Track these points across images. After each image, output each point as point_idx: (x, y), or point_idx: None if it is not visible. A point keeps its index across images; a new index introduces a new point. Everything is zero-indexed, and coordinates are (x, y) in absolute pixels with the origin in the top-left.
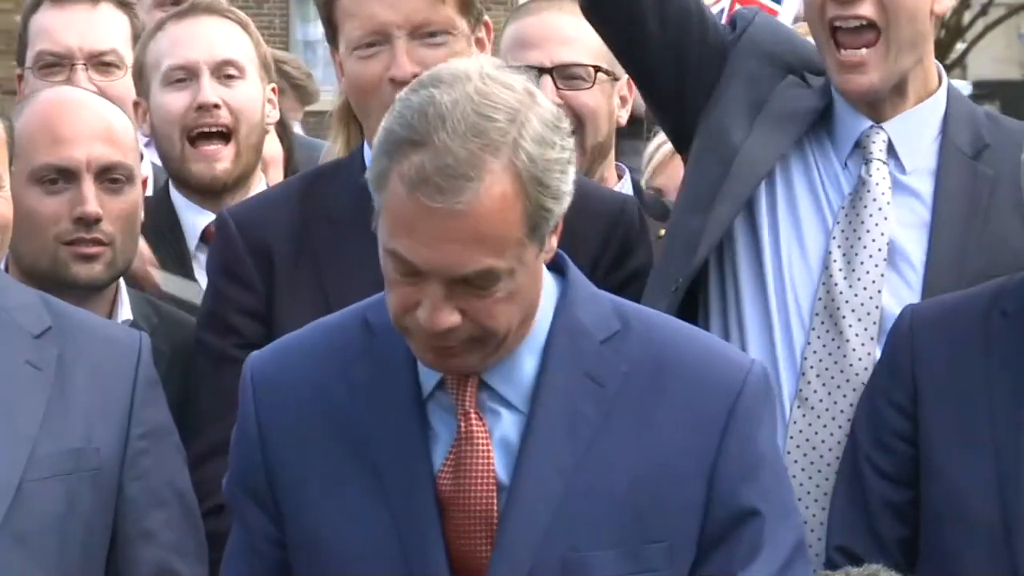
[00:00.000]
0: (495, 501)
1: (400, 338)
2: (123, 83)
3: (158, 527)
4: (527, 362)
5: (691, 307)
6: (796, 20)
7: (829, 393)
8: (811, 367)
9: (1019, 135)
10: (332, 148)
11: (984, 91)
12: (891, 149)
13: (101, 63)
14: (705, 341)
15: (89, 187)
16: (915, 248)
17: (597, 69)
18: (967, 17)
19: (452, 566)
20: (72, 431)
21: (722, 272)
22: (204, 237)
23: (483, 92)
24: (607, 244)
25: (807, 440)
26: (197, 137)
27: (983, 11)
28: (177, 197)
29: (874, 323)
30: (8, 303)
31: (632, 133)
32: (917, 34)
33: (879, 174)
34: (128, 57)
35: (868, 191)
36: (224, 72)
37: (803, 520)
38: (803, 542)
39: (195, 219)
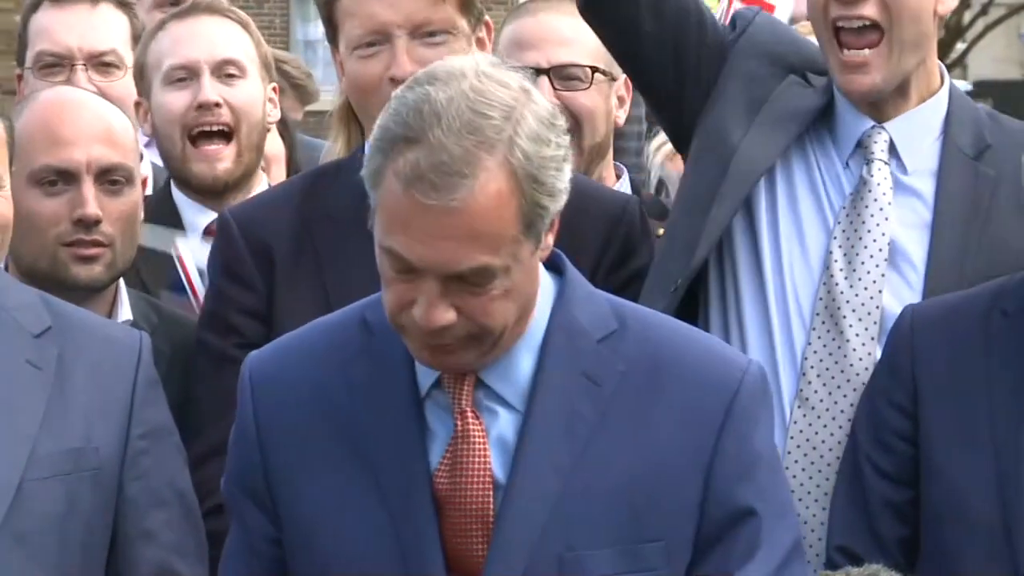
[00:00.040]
0: (491, 499)
1: (398, 337)
2: (123, 83)
3: (158, 527)
4: (524, 361)
5: (691, 307)
6: (793, 20)
7: (830, 393)
8: (812, 367)
9: (1021, 135)
10: (332, 148)
11: (984, 91)
12: (893, 149)
13: (101, 63)
14: (702, 341)
15: (89, 189)
16: (916, 248)
17: (594, 70)
18: (967, 17)
19: (448, 565)
20: (72, 431)
21: (722, 272)
22: (206, 235)
23: (478, 89)
24: (609, 244)
25: (807, 440)
26: (198, 136)
27: (983, 11)
28: (179, 196)
29: (875, 323)
30: (8, 302)
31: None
32: (920, 35)
33: (880, 174)
34: (128, 57)
35: (869, 191)
36: (225, 71)
37: (804, 520)
38: (800, 542)
39: (197, 218)
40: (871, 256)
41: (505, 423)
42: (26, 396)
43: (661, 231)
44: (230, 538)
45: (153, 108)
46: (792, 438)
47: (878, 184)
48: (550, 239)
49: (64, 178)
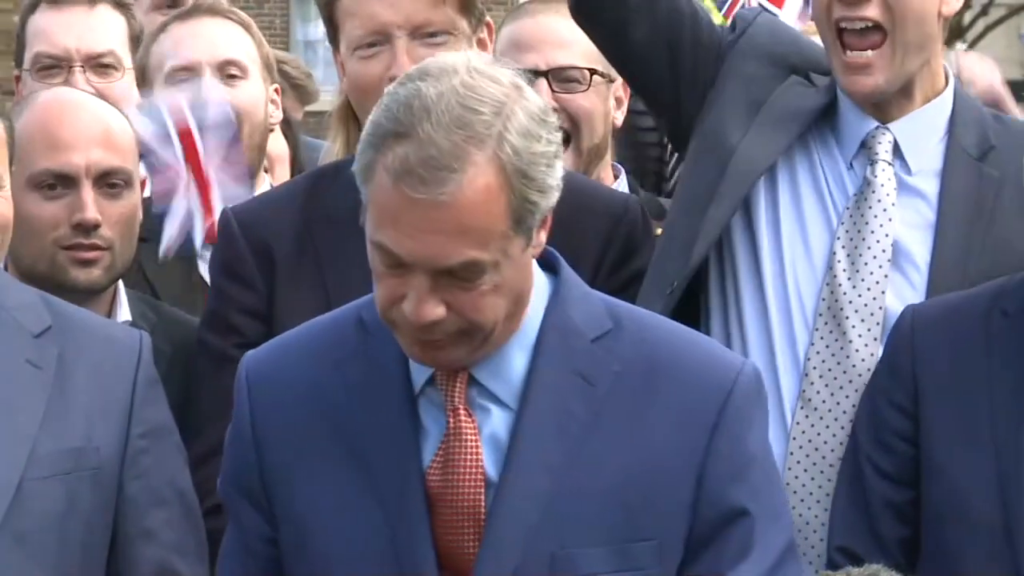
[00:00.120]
0: (483, 497)
1: (393, 335)
2: (121, 84)
3: (158, 526)
4: (517, 359)
5: (693, 308)
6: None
7: (832, 394)
8: (814, 368)
9: None
10: (332, 148)
11: None
12: (897, 150)
13: (99, 65)
14: (698, 342)
15: (88, 193)
16: (920, 249)
17: (593, 72)
18: (967, 17)
19: (440, 562)
20: (72, 430)
21: (722, 272)
22: (208, 236)
23: (469, 85)
24: (610, 243)
25: (810, 441)
26: None
27: (983, 11)
28: None
29: (877, 324)
30: (8, 302)
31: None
32: (924, 36)
33: (884, 175)
34: (126, 58)
35: (873, 192)
36: (226, 72)
37: (806, 521)
38: (793, 544)
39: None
40: (874, 257)
41: (498, 421)
42: (26, 396)
43: (659, 231)
44: (226, 537)
45: None
46: (794, 439)
47: (882, 185)
48: (543, 236)
49: (63, 182)
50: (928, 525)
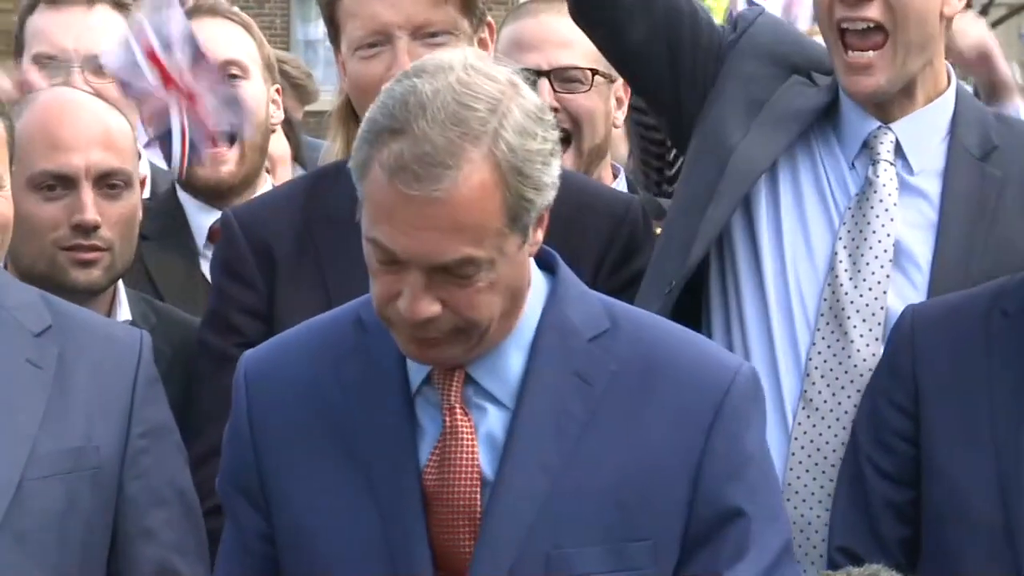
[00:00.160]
0: (479, 496)
1: (391, 334)
2: None
3: (159, 526)
4: (514, 358)
5: (693, 307)
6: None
7: (833, 394)
8: (815, 368)
9: None
10: (332, 148)
11: None
12: (899, 150)
13: (98, 65)
14: (695, 342)
15: (88, 194)
16: (922, 249)
17: (594, 72)
18: None
19: (436, 562)
20: (72, 430)
21: (723, 271)
22: (211, 236)
23: (465, 82)
24: (612, 243)
25: (811, 441)
26: None
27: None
28: (184, 196)
29: (879, 324)
30: (8, 301)
31: None
32: (926, 36)
33: (886, 175)
34: None
35: (875, 192)
36: (228, 72)
37: (808, 521)
38: (790, 545)
39: (202, 218)
40: (876, 257)
41: (494, 420)
42: (26, 395)
43: (658, 230)
44: (224, 536)
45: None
46: (796, 439)
47: (884, 185)
48: (539, 234)
49: (63, 183)
50: (928, 525)
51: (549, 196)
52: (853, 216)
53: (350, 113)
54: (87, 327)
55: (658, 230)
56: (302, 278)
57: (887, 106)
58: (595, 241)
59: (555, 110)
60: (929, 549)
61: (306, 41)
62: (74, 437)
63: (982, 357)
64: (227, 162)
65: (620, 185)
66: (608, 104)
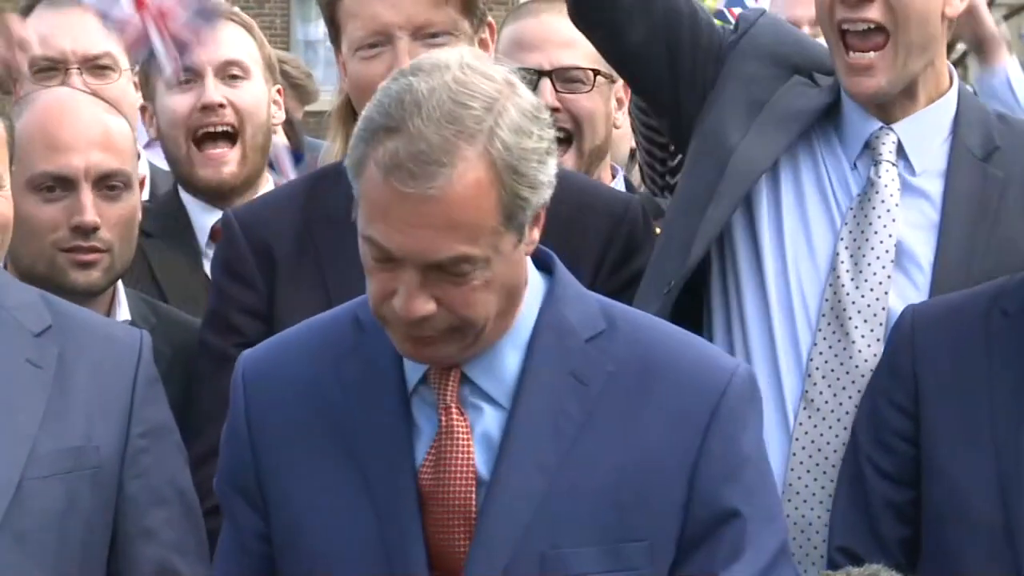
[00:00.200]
0: (474, 496)
1: (388, 334)
2: (118, 85)
3: (159, 525)
4: (510, 358)
5: (695, 308)
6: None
7: (835, 395)
8: (817, 368)
9: None
10: (332, 148)
11: None
12: (900, 150)
13: (95, 66)
14: (692, 343)
15: (87, 196)
16: (923, 250)
17: (596, 73)
18: None
19: (431, 562)
20: (72, 429)
21: (723, 271)
22: (213, 235)
23: (461, 81)
24: (612, 243)
25: (812, 442)
26: (203, 139)
27: None
28: (186, 196)
29: (880, 325)
30: (8, 301)
31: None
32: (927, 37)
33: (888, 176)
34: (122, 59)
35: (877, 193)
36: (228, 72)
37: (809, 522)
38: (787, 546)
39: (204, 218)
40: (878, 258)
41: (490, 420)
42: (26, 395)
43: (658, 230)
44: (222, 535)
45: (158, 111)
46: (797, 440)
47: (885, 186)
48: (535, 233)
49: (62, 184)
50: (928, 525)
51: (545, 195)
52: (855, 216)
53: (350, 113)
54: (87, 327)
55: (657, 230)
56: (302, 278)
57: (889, 107)
58: (595, 241)
59: (556, 110)
60: (929, 549)
61: (306, 41)
62: (74, 437)
63: (982, 357)
64: (229, 163)
65: (618, 185)
66: (609, 105)
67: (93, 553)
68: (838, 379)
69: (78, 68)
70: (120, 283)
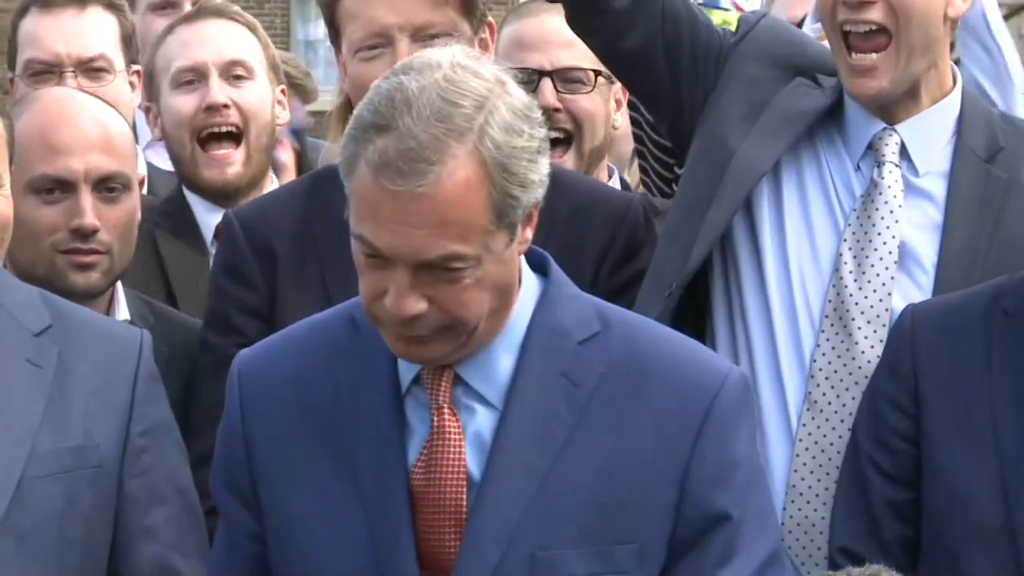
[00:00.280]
0: (464, 496)
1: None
2: (113, 87)
3: (159, 524)
4: (503, 359)
5: (697, 310)
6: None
7: (838, 396)
8: (820, 369)
9: None
10: (332, 147)
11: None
12: (904, 151)
13: (90, 69)
14: (686, 346)
15: (87, 198)
16: (927, 250)
17: (596, 73)
18: None
19: (422, 562)
20: (72, 428)
21: (725, 273)
22: (217, 235)
23: (451, 79)
24: (612, 243)
25: (815, 443)
26: (207, 139)
27: None
28: (191, 196)
29: (883, 326)
30: (8, 301)
31: None
32: (930, 38)
33: (891, 177)
34: (117, 60)
35: (880, 194)
36: (232, 73)
37: (812, 523)
38: (779, 552)
39: (209, 218)
40: (881, 259)
41: (483, 421)
42: (26, 394)
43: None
44: (217, 534)
45: (162, 111)
46: (800, 440)
47: (889, 187)
48: (528, 233)
49: (61, 187)
50: (929, 525)
51: (537, 194)
52: (858, 218)
53: (350, 113)
54: (87, 326)
55: None
56: (303, 278)
57: (892, 108)
58: (596, 240)
59: (557, 111)
60: (930, 549)
61: (306, 41)
62: (74, 436)
63: (982, 356)
64: (233, 163)
65: (615, 185)
66: (608, 106)
67: (93, 552)
68: (841, 380)
69: (72, 71)
70: (120, 283)
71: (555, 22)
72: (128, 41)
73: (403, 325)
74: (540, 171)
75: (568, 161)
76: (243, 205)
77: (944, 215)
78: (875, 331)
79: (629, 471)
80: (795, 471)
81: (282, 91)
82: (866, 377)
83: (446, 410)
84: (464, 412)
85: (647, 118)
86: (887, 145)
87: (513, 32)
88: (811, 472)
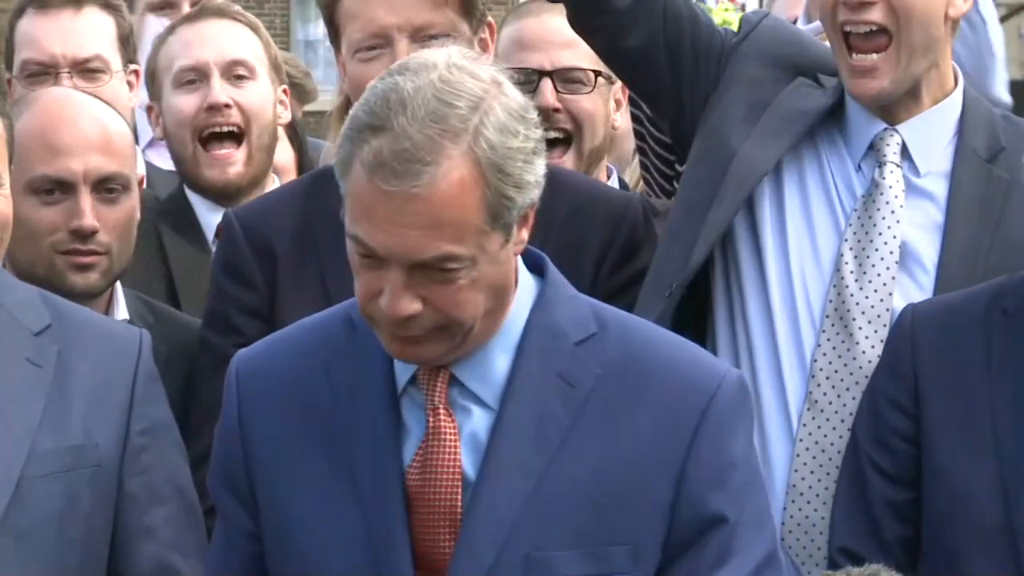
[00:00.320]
0: (459, 497)
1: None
2: (109, 87)
3: (158, 524)
4: (500, 359)
5: (698, 310)
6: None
7: (838, 396)
8: (821, 370)
9: None
10: (332, 148)
11: None
12: (905, 151)
13: (85, 70)
14: (683, 347)
15: (86, 200)
16: (928, 250)
17: (597, 74)
18: None
19: (417, 562)
20: (72, 428)
21: (727, 273)
22: (218, 234)
23: (447, 80)
24: (612, 242)
25: (816, 443)
26: (208, 139)
27: None
28: (192, 196)
29: (884, 326)
30: (7, 300)
31: None
32: (931, 39)
33: (892, 177)
34: (114, 60)
35: (881, 194)
36: (234, 72)
37: (812, 523)
38: (775, 554)
39: (211, 217)
40: (882, 259)
41: (479, 421)
42: (26, 394)
43: None
44: (214, 533)
45: (164, 111)
46: (801, 440)
47: (890, 187)
48: (524, 234)
49: (61, 188)
50: (929, 525)
51: (532, 195)
52: (859, 218)
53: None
54: (87, 325)
55: None
56: (303, 277)
57: (893, 108)
58: (596, 240)
59: (557, 111)
60: (930, 549)
61: (306, 41)
62: (74, 435)
63: (982, 356)
64: (235, 163)
65: (613, 185)
66: (608, 106)
67: (93, 551)
68: (842, 380)
69: (68, 72)
70: (118, 283)
71: (556, 22)
72: (125, 41)
73: (398, 325)
74: (536, 172)
75: (568, 161)
76: (243, 205)
77: (945, 215)
78: (876, 331)
79: (625, 472)
80: (795, 471)
81: (284, 91)
82: (867, 377)
83: (441, 411)
84: (460, 413)
85: (648, 114)
86: (888, 145)
87: (513, 32)
88: (811, 472)
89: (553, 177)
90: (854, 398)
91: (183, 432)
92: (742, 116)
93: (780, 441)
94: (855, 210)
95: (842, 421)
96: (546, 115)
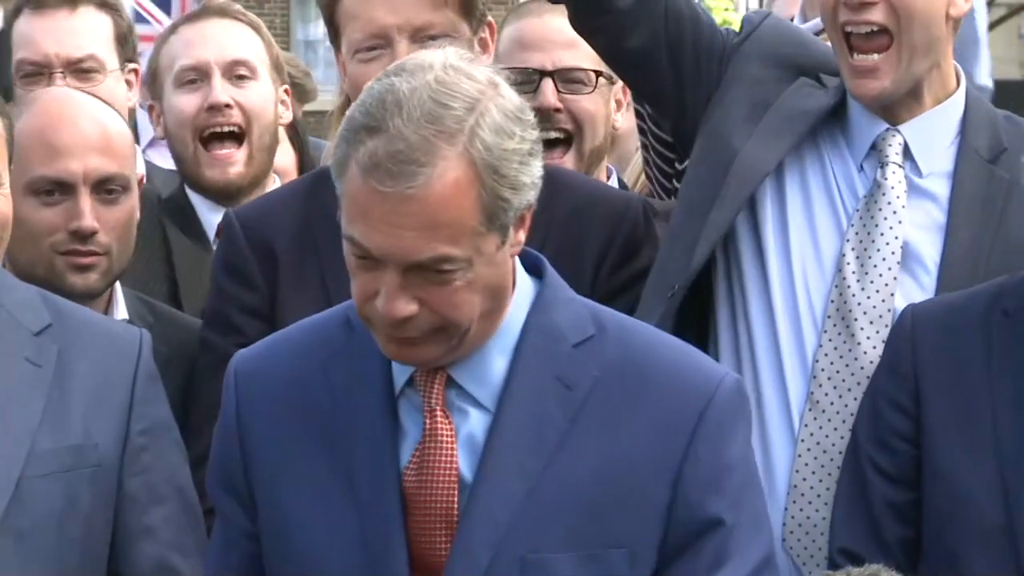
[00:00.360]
0: (455, 499)
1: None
2: (104, 87)
3: (158, 523)
4: (497, 361)
5: (700, 311)
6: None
7: (840, 396)
8: (822, 370)
9: None
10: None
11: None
12: (907, 152)
13: (79, 70)
14: (681, 350)
15: (86, 201)
16: (930, 251)
17: (598, 74)
18: None
19: (414, 564)
20: (72, 428)
21: (728, 273)
22: (219, 234)
23: (443, 81)
24: (612, 242)
25: (818, 443)
26: (209, 138)
27: None
28: (193, 195)
29: (886, 326)
30: (7, 300)
31: None
32: (932, 39)
33: (895, 177)
34: (110, 60)
35: (883, 194)
36: (235, 72)
37: (814, 524)
38: (772, 557)
39: (212, 216)
40: (884, 259)
41: (476, 423)
42: (26, 394)
43: None
44: (213, 532)
45: (165, 110)
46: (802, 441)
47: (892, 188)
48: (521, 235)
49: (61, 188)
50: (929, 526)
51: (529, 196)
52: (861, 218)
53: None
54: (87, 325)
55: None
56: (303, 277)
57: (895, 108)
58: (596, 240)
59: (557, 111)
60: (930, 550)
61: (306, 41)
62: (73, 435)
63: (982, 356)
64: (236, 163)
65: (613, 185)
66: (609, 106)
67: (93, 551)
68: (843, 380)
69: (62, 72)
70: (118, 283)
71: (557, 22)
72: (123, 40)
73: (394, 327)
74: (532, 173)
75: (568, 161)
76: (243, 205)
77: (947, 215)
78: (877, 331)
79: (622, 475)
80: (797, 471)
81: (285, 91)
82: (868, 377)
83: (438, 412)
84: (457, 414)
85: (648, 110)
86: (890, 146)
87: (514, 32)
88: (813, 472)
89: (553, 177)
90: (856, 398)
91: (183, 432)
92: (744, 116)
93: (782, 441)
94: (857, 210)
95: (844, 421)
96: (547, 115)
